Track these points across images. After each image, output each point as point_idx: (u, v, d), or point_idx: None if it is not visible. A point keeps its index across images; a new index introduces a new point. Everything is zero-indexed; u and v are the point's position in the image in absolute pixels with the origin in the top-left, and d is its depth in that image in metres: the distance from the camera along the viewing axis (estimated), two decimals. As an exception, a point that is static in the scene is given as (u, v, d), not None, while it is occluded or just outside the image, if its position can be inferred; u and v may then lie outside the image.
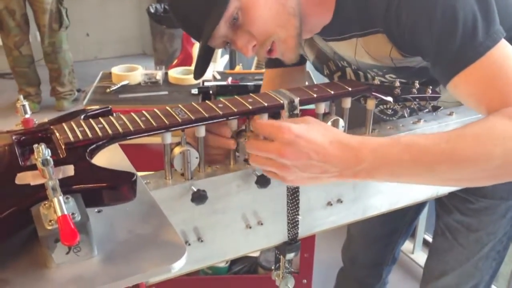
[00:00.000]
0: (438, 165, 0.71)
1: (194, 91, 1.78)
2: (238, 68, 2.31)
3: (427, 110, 0.98)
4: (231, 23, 0.83)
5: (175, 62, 2.96)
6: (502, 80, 0.76)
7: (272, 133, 0.70)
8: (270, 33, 0.85)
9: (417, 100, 0.89)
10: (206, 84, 1.79)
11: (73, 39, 4.13)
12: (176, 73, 1.91)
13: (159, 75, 1.88)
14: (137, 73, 1.88)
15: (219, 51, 2.21)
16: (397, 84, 0.87)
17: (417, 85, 0.89)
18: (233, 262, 1.85)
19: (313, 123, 0.72)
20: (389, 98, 0.87)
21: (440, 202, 1.20)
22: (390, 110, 1.01)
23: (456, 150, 0.70)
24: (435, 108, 0.95)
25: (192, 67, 2.11)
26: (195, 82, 1.87)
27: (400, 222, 1.43)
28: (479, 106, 0.79)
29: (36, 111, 3.46)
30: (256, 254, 1.85)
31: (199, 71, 0.96)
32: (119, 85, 1.80)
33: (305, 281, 1.76)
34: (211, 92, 1.70)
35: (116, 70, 1.89)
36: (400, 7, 0.79)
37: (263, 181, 0.79)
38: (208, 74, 1.69)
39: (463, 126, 0.74)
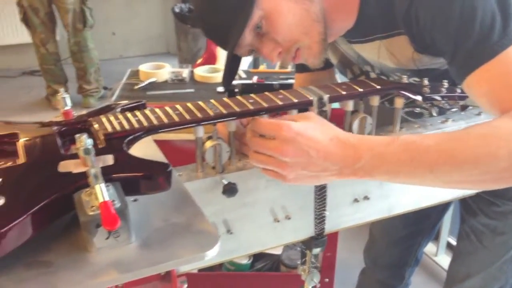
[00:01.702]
0: (437, 166, 0.68)
1: (220, 89, 1.81)
2: (262, 68, 2.33)
3: (456, 109, 0.99)
4: (255, 32, 0.84)
5: (199, 61, 2.99)
6: None
7: (272, 131, 0.70)
8: (295, 40, 0.86)
9: (445, 99, 0.90)
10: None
11: (100, 37, 4.20)
12: (202, 72, 1.95)
13: (185, 73, 1.91)
14: (164, 71, 1.92)
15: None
16: (426, 83, 0.88)
17: (446, 84, 0.89)
18: (256, 259, 1.86)
19: (313, 120, 0.73)
20: (418, 97, 0.87)
21: (465, 205, 1.19)
22: (418, 109, 1.02)
23: (456, 151, 0.68)
24: (464, 108, 0.95)
25: (217, 66, 2.15)
26: (221, 80, 1.89)
27: (423, 223, 1.42)
28: (492, 108, 0.76)
29: (63, 108, 3.53)
30: (278, 252, 1.86)
31: (227, 79, 0.98)
32: (146, 82, 1.84)
33: (327, 279, 1.77)
34: (236, 90, 1.72)
35: (143, 67, 1.93)
36: (419, 6, 0.79)
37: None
38: (233, 73, 1.71)
39: (469, 126, 0.72)
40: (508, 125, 0.69)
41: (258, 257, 1.87)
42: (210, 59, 2.88)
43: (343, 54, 1.05)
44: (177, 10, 3.68)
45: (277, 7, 0.82)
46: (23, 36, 4.29)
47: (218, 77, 1.91)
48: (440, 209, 1.37)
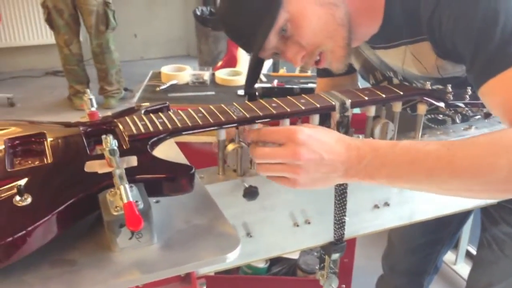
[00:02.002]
0: (436, 172, 0.68)
1: (240, 92, 1.81)
2: (282, 71, 2.34)
3: (479, 116, 0.98)
4: (280, 35, 0.85)
5: (219, 63, 3.01)
6: None
7: (284, 137, 0.70)
8: (319, 43, 0.86)
9: (469, 106, 0.89)
10: (252, 85, 1.81)
11: (121, 39, 4.25)
12: (222, 74, 1.96)
13: (206, 75, 1.92)
14: (185, 73, 1.93)
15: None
16: (449, 89, 0.87)
17: (469, 91, 0.88)
18: (273, 263, 1.86)
19: (315, 126, 0.74)
20: (441, 104, 0.87)
21: (487, 213, 1.18)
22: (441, 116, 1.01)
23: (455, 158, 0.67)
24: (487, 115, 0.94)
25: (238, 69, 2.16)
26: (241, 83, 1.90)
27: (443, 231, 1.41)
28: (504, 118, 0.74)
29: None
30: (295, 257, 1.86)
31: (250, 82, 0.98)
32: (168, 84, 1.85)
33: (344, 286, 1.75)
34: (256, 93, 1.72)
35: (165, 69, 1.95)
36: (443, 11, 0.79)
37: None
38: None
39: (474, 135, 0.71)
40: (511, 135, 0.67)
41: (274, 261, 1.86)
42: (231, 62, 2.90)
43: (366, 59, 1.05)
44: (198, 12, 3.69)
45: (303, 10, 0.83)
46: (46, 36, 4.38)
47: (239, 80, 1.92)
48: (461, 217, 1.35)
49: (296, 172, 0.70)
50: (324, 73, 1.17)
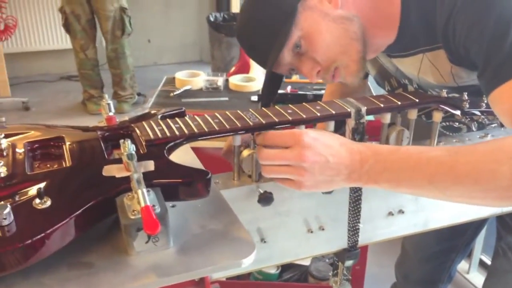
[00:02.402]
0: (437, 177, 0.67)
1: (254, 98, 1.82)
2: (295, 78, 2.34)
3: (495, 124, 0.97)
4: (294, 51, 0.86)
5: (232, 69, 3.02)
6: None
7: (290, 140, 0.70)
8: (334, 59, 0.87)
9: (485, 114, 0.88)
10: (265, 91, 1.81)
11: (135, 45, 4.29)
12: (236, 80, 1.96)
13: (220, 81, 1.93)
14: (199, 79, 1.95)
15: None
16: (465, 97, 0.87)
17: (485, 99, 0.87)
18: (284, 269, 1.85)
19: (320, 130, 0.74)
20: (457, 112, 0.86)
21: (503, 222, 1.17)
22: (457, 124, 1.00)
23: (457, 164, 0.66)
24: (504, 123, 0.93)
25: (251, 75, 2.17)
26: (255, 89, 1.91)
27: (457, 240, 1.39)
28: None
29: (98, 113, 3.61)
30: (306, 263, 1.85)
31: (267, 98, 0.99)
32: (182, 90, 1.87)
33: (355, 293, 1.75)
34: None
35: (179, 75, 1.96)
36: (457, 19, 0.79)
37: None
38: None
39: (479, 142, 0.70)
40: None
41: (286, 267, 1.86)
42: (244, 68, 2.90)
43: (381, 66, 1.05)
44: (211, 19, 3.73)
45: (316, 27, 0.84)
46: (61, 42, 4.43)
47: (252, 86, 1.93)
48: (476, 226, 1.34)
49: (301, 174, 0.70)
50: None
